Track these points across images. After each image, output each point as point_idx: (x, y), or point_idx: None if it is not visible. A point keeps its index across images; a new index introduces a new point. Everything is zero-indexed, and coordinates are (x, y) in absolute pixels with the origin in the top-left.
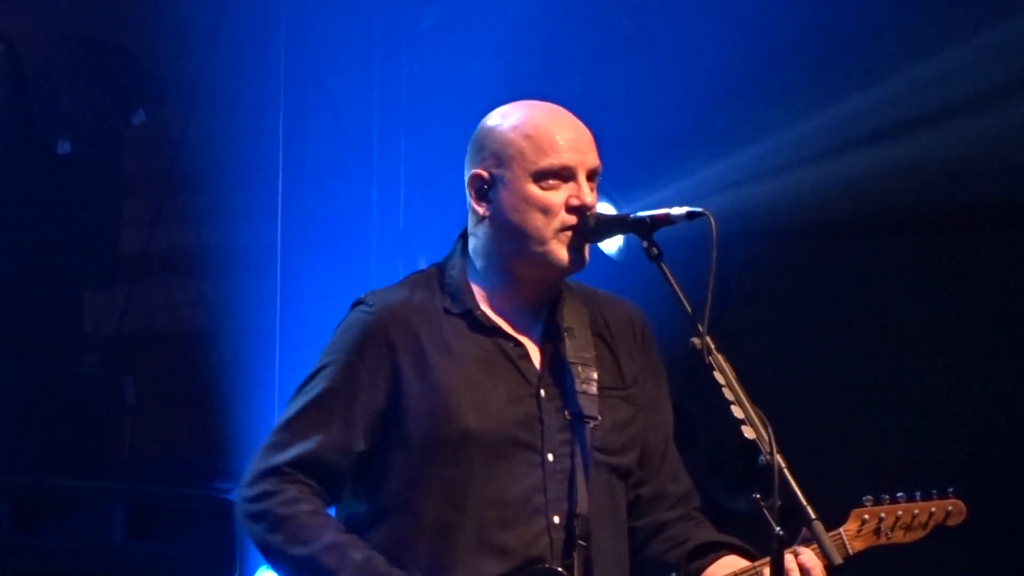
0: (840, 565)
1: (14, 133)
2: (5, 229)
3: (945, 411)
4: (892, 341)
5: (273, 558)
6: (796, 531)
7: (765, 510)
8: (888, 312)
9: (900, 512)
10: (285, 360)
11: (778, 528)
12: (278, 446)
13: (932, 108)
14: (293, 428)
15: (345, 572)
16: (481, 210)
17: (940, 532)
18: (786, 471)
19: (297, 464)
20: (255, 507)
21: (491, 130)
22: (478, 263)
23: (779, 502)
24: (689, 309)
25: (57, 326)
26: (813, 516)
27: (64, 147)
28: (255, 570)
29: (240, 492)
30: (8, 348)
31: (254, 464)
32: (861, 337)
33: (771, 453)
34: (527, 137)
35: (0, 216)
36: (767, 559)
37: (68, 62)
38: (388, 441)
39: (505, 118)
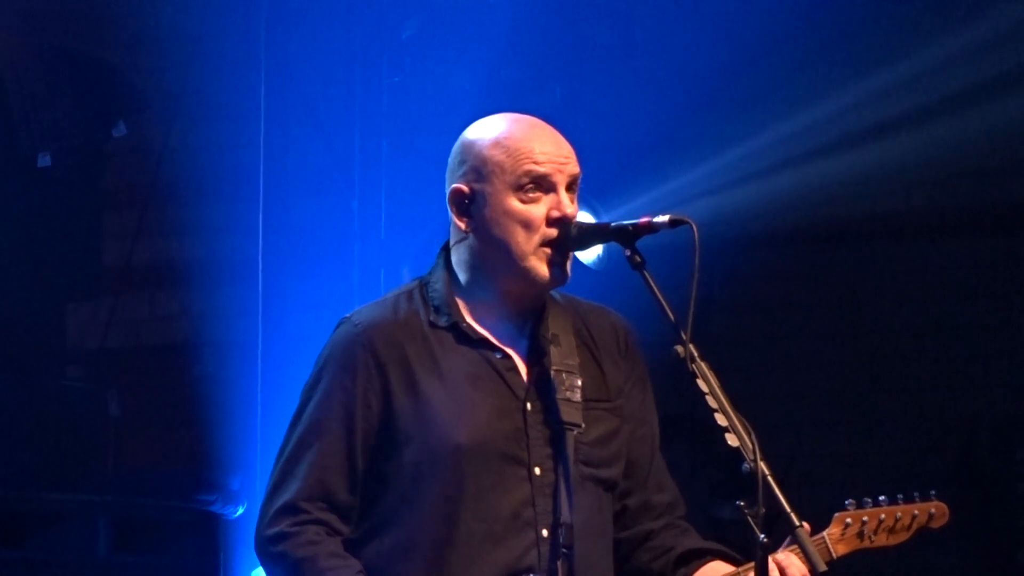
0: (824, 572)
1: None
2: None
3: (929, 418)
4: (875, 348)
5: None
6: (781, 538)
7: (749, 517)
8: (871, 319)
9: (883, 515)
10: (268, 371)
11: (763, 535)
12: (286, 481)
13: (912, 109)
14: (297, 458)
15: None
16: (463, 225)
17: (924, 536)
18: (770, 478)
19: (307, 496)
20: (273, 549)
21: (471, 144)
22: (462, 277)
23: (763, 509)
24: (672, 317)
25: (40, 339)
26: (797, 523)
27: (45, 160)
28: None
29: (257, 532)
30: None
31: (266, 503)
32: (844, 344)
33: (755, 460)
34: (506, 150)
35: None
36: (751, 564)
37: (48, 75)
38: (380, 458)
39: (484, 132)
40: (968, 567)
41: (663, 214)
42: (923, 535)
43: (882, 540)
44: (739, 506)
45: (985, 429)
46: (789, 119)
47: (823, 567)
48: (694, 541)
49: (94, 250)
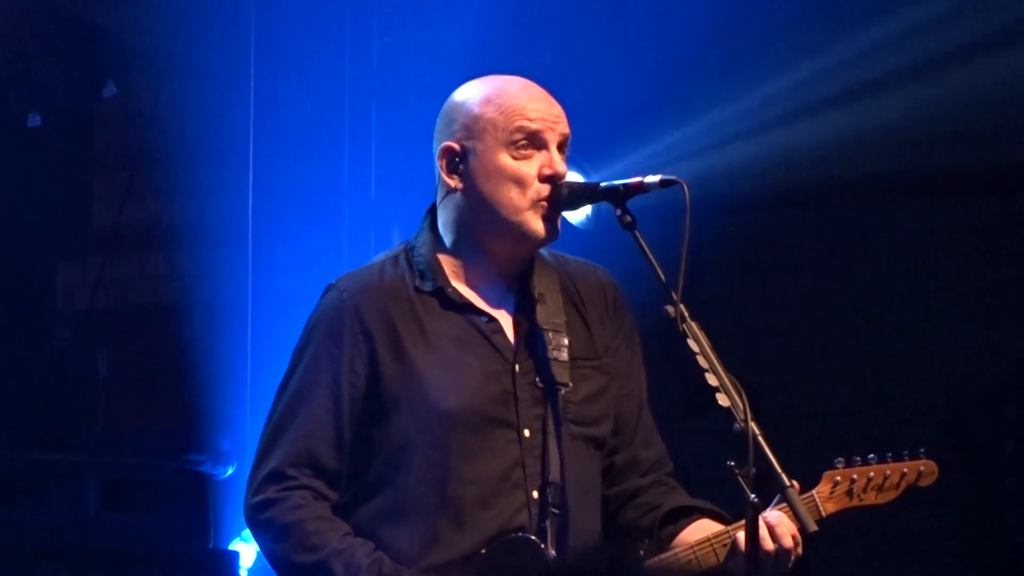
0: (815, 531)
1: None
2: None
3: (918, 379)
4: (864, 309)
5: (281, 566)
6: (770, 498)
7: (739, 477)
8: (860, 280)
9: (872, 474)
10: (257, 333)
11: (752, 495)
12: (272, 448)
13: (901, 68)
14: (283, 426)
15: None
16: (452, 183)
17: (913, 498)
18: (760, 438)
19: (295, 463)
20: (260, 516)
21: (462, 103)
22: (448, 238)
23: (753, 469)
24: (663, 277)
25: (29, 300)
26: (787, 483)
27: (35, 121)
28: (229, 541)
29: (245, 499)
30: None
31: (253, 470)
32: (833, 305)
33: (745, 421)
34: (499, 107)
35: None
36: (741, 523)
37: (39, 36)
38: (368, 424)
39: (476, 91)
40: (955, 528)
41: (653, 174)
42: (912, 494)
43: (871, 498)
44: (729, 466)
45: (974, 390)
46: (778, 78)
47: (813, 527)
48: (682, 498)
49: (84, 211)
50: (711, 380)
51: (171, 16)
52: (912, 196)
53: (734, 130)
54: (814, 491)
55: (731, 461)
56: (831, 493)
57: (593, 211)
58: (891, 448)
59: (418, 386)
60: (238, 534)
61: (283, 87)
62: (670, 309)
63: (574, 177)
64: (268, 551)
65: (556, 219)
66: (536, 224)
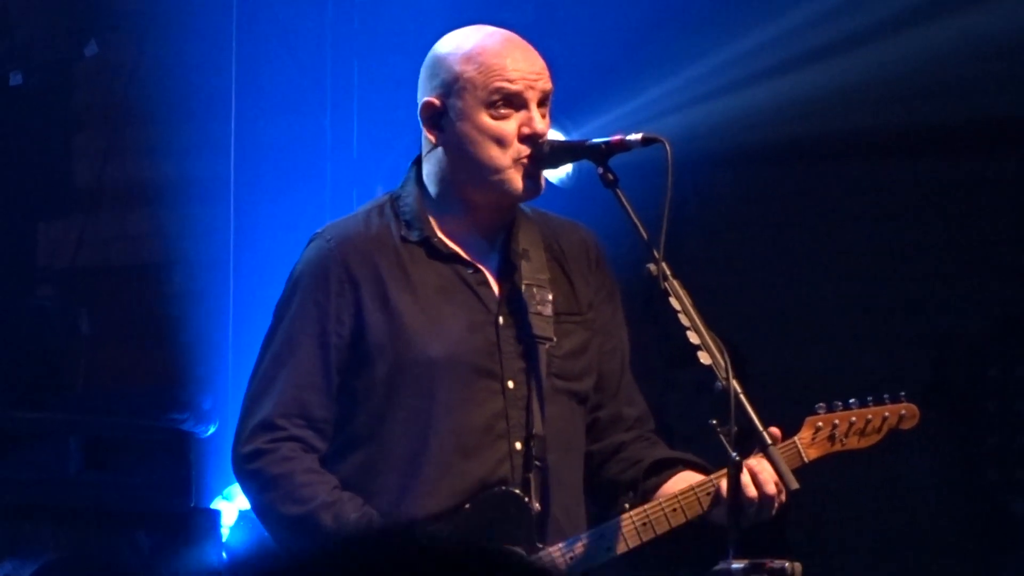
0: (797, 489)
1: None
2: None
3: (901, 336)
4: (848, 266)
5: (268, 517)
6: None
7: (721, 435)
8: (844, 237)
9: (853, 418)
10: (239, 291)
11: (735, 453)
12: (261, 397)
13: (884, 20)
14: (272, 375)
15: (341, 530)
16: (433, 138)
17: (894, 450)
18: (742, 396)
19: (283, 413)
20: (248, 466)
21: (443, 58)
22: (432, 190)
23: (735, 427)
24: (645, 235)
25: (10, 259)
26: (769, 441)
27: (16, 79)
28: (211, 500)
29: (233, 450)
30: None
31: (241, 420)
32: (817, 262)
33: (727, 379)
34: (478, 66)
35: None
36: (723, 471)
37: None
38: (353, 374)
39: (456, 46)
40: (938, 485)
41: (636, 132)
42: (894, 441)
43: (853, 443)
44: (711, 424)
45: (957, 347)
46: (760, 32)
47: (795, 484)
48: (663, 452)
49: (65, 169)
50: (693, 338)
51: None
52: (896, 152)
53: (715, 85)
54: (796, 437)
55: (713, 419)
56: (813, 439)
57: (574, 169)
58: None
59: (403, 334)
60: (220, 493)
61: (265, 44)
62: (652, 267)
63: (555, 135)
64: (256, 502)
65: (538, 176)
66: (516, 182)
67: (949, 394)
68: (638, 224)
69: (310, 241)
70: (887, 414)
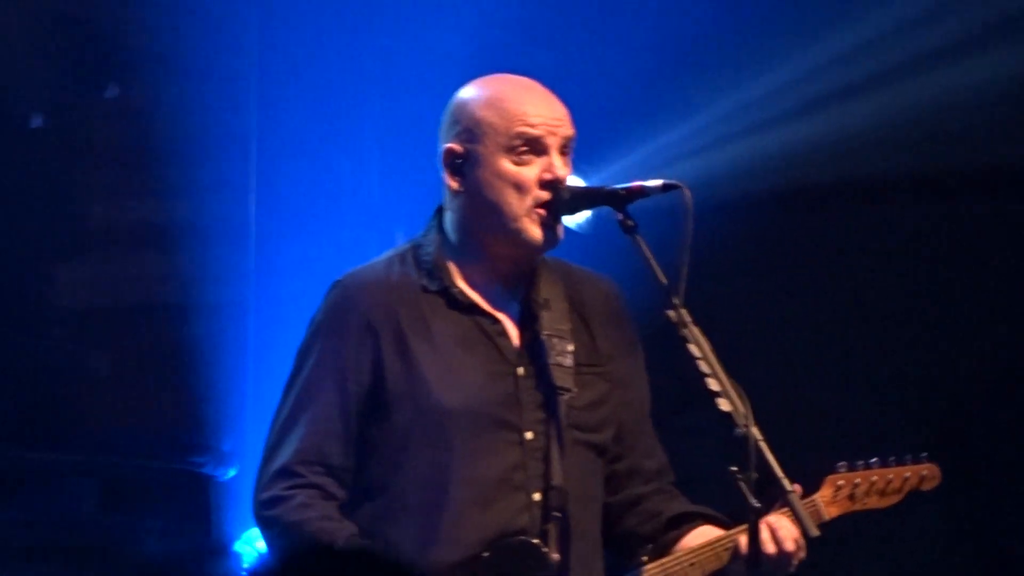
0: (816, 536)
1: None
2: None
3: (916, 381)
4: (864, 311)
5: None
6: (772, 502)
7: (741, 483)
8: (859, 282)
9: (875, 478)
10: (259, 333)
11: (754, 501)
12: (280, 445)
13: (897, 66)
14: (292, 422)
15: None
16: (455, 185)
17: (913, 500)
18: (762, 443)
19: (302, 461)
20: (267, 513)
21: (464, 104)
22: (453, 238)
23: (755, 474)
24: (664, 281)
25: (27, 299)
26: (789, 488)
27: (36, 121)
28: (231, 543)
29: (254, 496)
30: None
31: (262, 467)
32: (832, 307)
33: (747, 426)
34: (499, 111)
35: None
36: (743, 527)
37: (40, 36)
38: (371, 422)
39: (478, 92)
40: (952, 532)
41: (655, 178)
42: (913, 496)
43: (873, 502)
44: (731, 471)
45: (970, 391)
46: (775, 77)
47: (815, 531)
48: (683, 505)
49: (85, 210)
50: (712, 385)
51: (174, 15)
52: (912, 197)
53: (731, 130)
54: (816, 495)
55: (733, 466)
56: (833, 497)
57: (592, 214)
58: (891, 450)
59: (421, 384)
60: (239, 536)
61: (286, 87)
62: (671, 314)
63: (574, 180)
64: (274, 548)
65: (556, 226)
66: (534, 231)
67: (964, 439)
68: (657, 270)
69: (331, 288)
70: (908, 475)
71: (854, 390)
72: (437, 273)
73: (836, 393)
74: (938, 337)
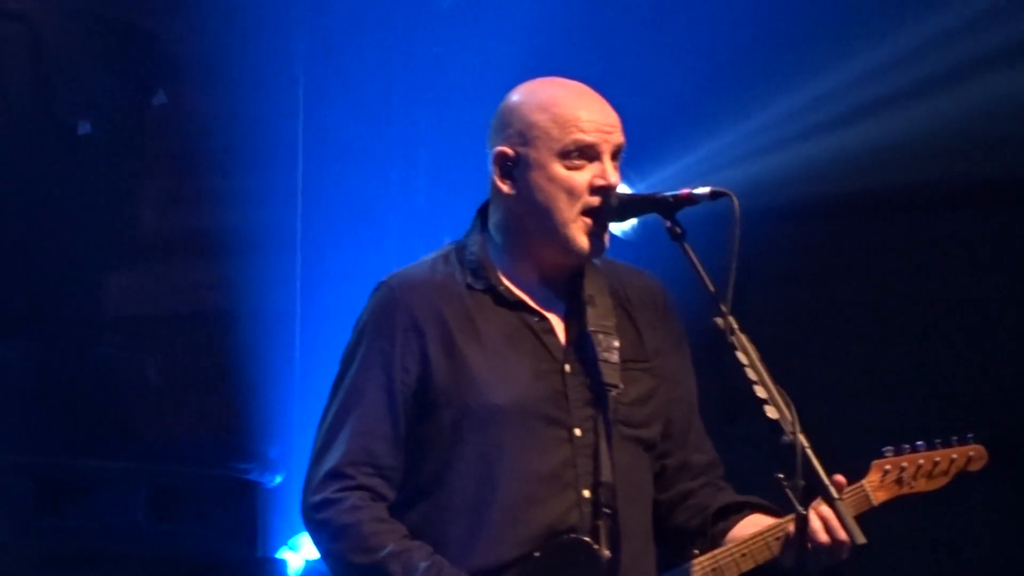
0: (863, 543)
1: (35, 114)
2: (27, 211)
3: (965, 393)
4: (913, 322)
5: (338, 567)
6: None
7: (788, 490)
8: (910, 292)
9: (921, 460)
10: (305, 340)
11: (801, 508)
12: (330, 446)
13: (953, 67)
14: (339, 424)
15: None
16: (505, 188)
17: (953, 509)
18: (809, 451)
19: (352, 462)
20: (318, 516)
21: (516, 107)
22: (499, 239)
23: (802, 482)
24: (712, 289)
25: (78, 307)
26: (836, 496)
27: (85, 128)
28: (277, 550)
29: (303, 499)
30: (30, 330)
31: (311, 470)
32: (880, 314)
33: (794, 433)
34: (553, 116)
35: (21, 198)
36: (791, 516)
37: (89, 43)
38: (419, 421)
39: (531, 95)
40: (1000, 543)
41: (702, 185)
42: (960, 480)
43: (922, 485)
44: (778, 479)
45: (1018, 402)
46: (822, 83)
47: (862, 539)
48: (730, 496)
49: (133, 218)
50: (760, 392)
51: (221, 23)
52: (959, 204)
53: (779, 137)
54: (864, 480)
55: (779, 473)
56: (881, 482)
57: (639, 221)
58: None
59: (469, 382)
60: (286, 543)
61: (332, 94)
62: (719, 321)
63: (622, 188)
64: (326, 551)
65: (603, 234)
66: (581, 239)
67: (1011, 449)
68: (704, 278)
69: (375, 289)
70: (955, 456)
71: (901, 396)
72: (482, 272)
73: (884, 398)
74: (986, 347)
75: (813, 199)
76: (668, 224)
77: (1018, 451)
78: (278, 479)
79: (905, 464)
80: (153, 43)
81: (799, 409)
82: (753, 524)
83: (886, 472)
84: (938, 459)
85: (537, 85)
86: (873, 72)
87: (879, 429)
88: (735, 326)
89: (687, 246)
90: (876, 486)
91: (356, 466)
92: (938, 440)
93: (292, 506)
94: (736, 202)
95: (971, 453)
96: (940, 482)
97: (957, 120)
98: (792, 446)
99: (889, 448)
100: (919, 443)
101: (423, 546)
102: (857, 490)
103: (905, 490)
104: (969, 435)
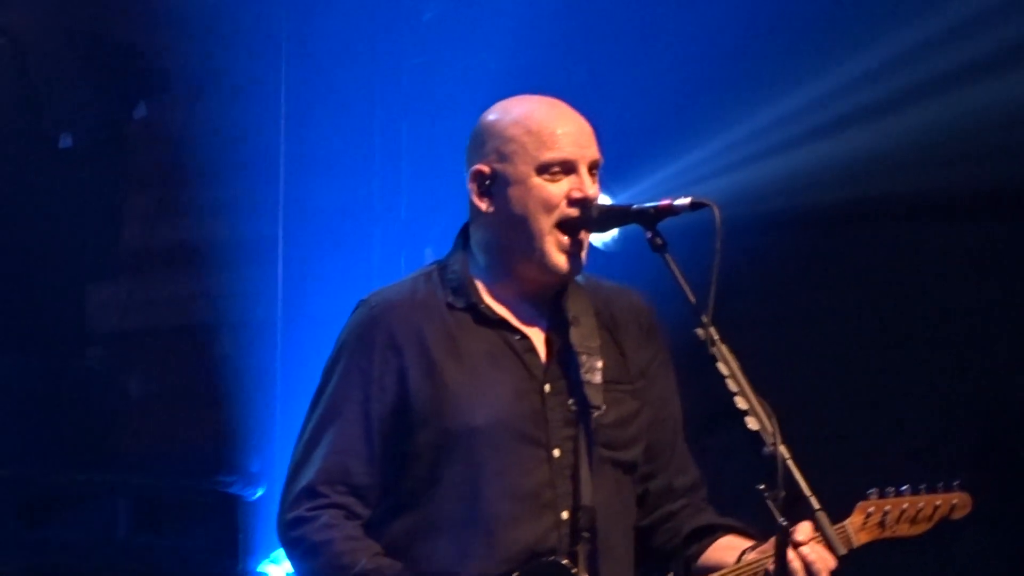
0: (843, 555)
1: (17, 127)
2: (8, 224)
3: (950, 402)
4: (897, 331)
5: None
6: (800, 521)
7: (769, 501)
8: (892, 301)
9: (905, 505)
10: (287, 353)
11: (782, 519)
12: (305, 464)
13: (927, 82)
14: (315, 442)
15: None
16: (483, 205)
17: (946, 523)
18: (790, 462)
19: (326, 480)
20: (292, 533)
21: (492, 125)
22: (480, 258)
23: (783, 493)
24: (693, 300)
25: (60, 320)
26: (817, 507)
27: (66, 141)
28: (258, 563)
29: (278, 516)
30: (12, 343)
31: (286, 488)
32: (865, 327)
33: (775, 444)
34: (528, 132)
35: (3, 211)
36: (770, 553)
37: (70, 57)
38: (398, 440)
39: (506, 113)
40: (987, 552)
41: (683, 196)
42: (944, 524)
43: (904, 530)
44: (759, 490)
45: (1008, 412)
46: (804, 94)
47: (842, 550)
48: (706, 518)
49: (114, 231)
50: (741, 403)
51: (202, 36)
52: (943, 215)
53: (760, 148)
54: (847, 522)
55: (761, 485)
56: (863, 524)
57: (619, 232)
58: (923, 470)
59: (447, 401)
60: (267, 556)
61: (314, 107)
62: (700, 332)
63: (603, 199)
64: (300, 568)
65: (579, 251)
66: (557, 256)
67: (998, 460)
68: (686, 288)
69: (356, 307)
70: (939, 503)
71: (885, 409)
72: (464, 290)
73: (868, 411)
74: (973, 357)
75: (796, 209)
76: (649, 235)
77: (1003, 460)
78: (259, 492)
79: (888, 508)
80: (135, 57)
81: (780, 420)
82: (727, 546)
83: (869, 515)
84: (922, 505)
85: (512, 103)
86: (856, 82)
87: (863, 440)
88: (716, 337)
89: (668, 257)
90: (858, 528)
91: (330, 484)
92: (923, 485)
93: (273, 519)
94: (717, 212)
95: (955, 501)
96: (922, 528)
97: (942, 130)
98: (773, 457)
99: (873, 490)
100: (903, 487)
101: (394, 563)
102: (839, 530)
103: (887, 533)
104: (955, 482)
